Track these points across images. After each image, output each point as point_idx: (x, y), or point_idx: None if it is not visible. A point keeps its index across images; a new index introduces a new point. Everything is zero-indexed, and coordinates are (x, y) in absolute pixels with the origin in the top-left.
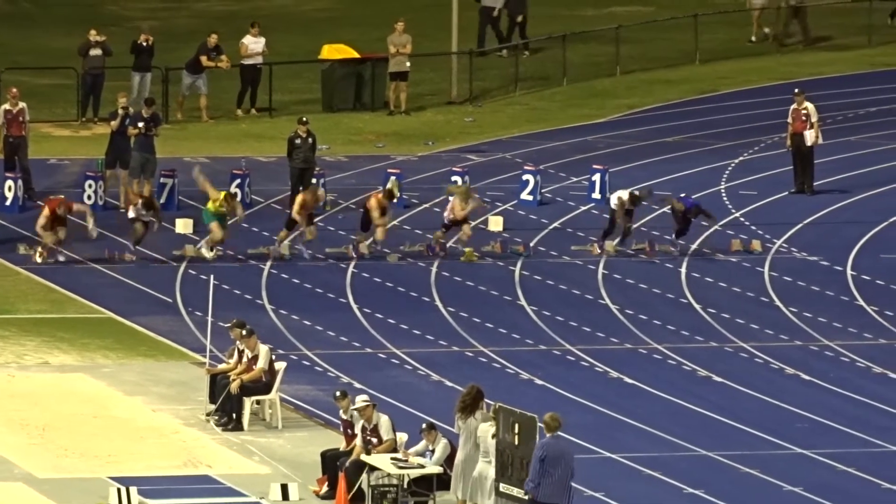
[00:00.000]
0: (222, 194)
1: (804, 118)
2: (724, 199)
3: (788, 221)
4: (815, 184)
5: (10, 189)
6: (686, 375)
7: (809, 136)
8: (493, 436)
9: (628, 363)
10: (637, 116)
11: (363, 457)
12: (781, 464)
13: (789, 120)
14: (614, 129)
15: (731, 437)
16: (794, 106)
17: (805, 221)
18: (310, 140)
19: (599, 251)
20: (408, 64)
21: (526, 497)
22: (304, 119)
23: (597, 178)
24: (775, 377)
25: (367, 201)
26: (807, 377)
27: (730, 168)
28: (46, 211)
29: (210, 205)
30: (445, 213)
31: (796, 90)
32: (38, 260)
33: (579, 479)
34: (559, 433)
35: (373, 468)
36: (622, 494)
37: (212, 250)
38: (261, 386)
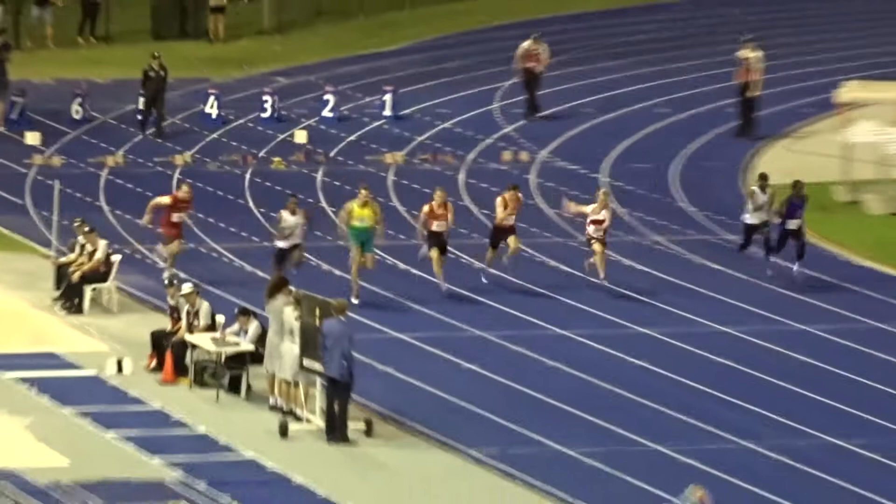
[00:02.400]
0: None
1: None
2: (497, 116)
3: (553, 135)
4: (581, 103)
5: None
6: (450, 263)
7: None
8: (297, 318)
9: (405, 252)
10: (422, 45)
11: (187, 336)
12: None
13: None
14: (403, 55)
15: (500, 319)
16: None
17: (566, 135)
18: (161, 73)
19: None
20: None
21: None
22: (157, 54)
23: (387, 98)
24: (536, 266)
25: None
26: (566, 268)
27: (501, 90)
28: None
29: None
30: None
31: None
32: None
33: (373, 356)
34: (341, 317)
35: (195, 346)
36: (409, 369)
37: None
38: (99, 275)
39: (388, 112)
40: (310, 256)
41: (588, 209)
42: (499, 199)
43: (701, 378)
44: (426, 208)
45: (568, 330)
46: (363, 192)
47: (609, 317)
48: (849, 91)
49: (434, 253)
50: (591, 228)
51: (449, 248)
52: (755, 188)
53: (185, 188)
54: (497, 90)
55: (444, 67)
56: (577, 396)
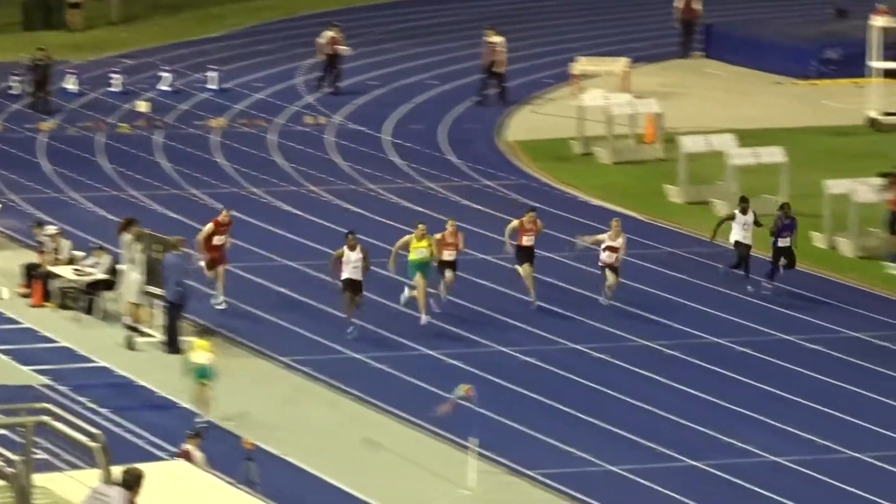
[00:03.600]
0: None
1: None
2: (300, 88)
3: (345, 104)
4: (368, 77)
5: None
6: (267, 208)
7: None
8: (142, 251)
9: (237, 201)
10: (241, 32)
11: (51, 268)
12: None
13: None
14: (225, 41)
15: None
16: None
17: (356, 103)
18: (47, 62)
19: None
20: None
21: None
22: (43, 47)
23: (213, 75)
24: (330, 208)
25: None
26: (356, 209)
27: (303, 67)
28: None
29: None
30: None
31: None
32: None
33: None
34: (178, 252)
35: (58, 276)
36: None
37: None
38: None
39: (213, 86)
40: (149, 201)
41: (604, 237)
42: (515, 222)
43: None
44: (438, 236)
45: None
46: (421, 227)
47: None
48: (581, 65)
49: (449, 274)
50: (605, 255)
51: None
52: (736, 211)
53: (224, 213)
54: (299, 68)
55: (259, 49)
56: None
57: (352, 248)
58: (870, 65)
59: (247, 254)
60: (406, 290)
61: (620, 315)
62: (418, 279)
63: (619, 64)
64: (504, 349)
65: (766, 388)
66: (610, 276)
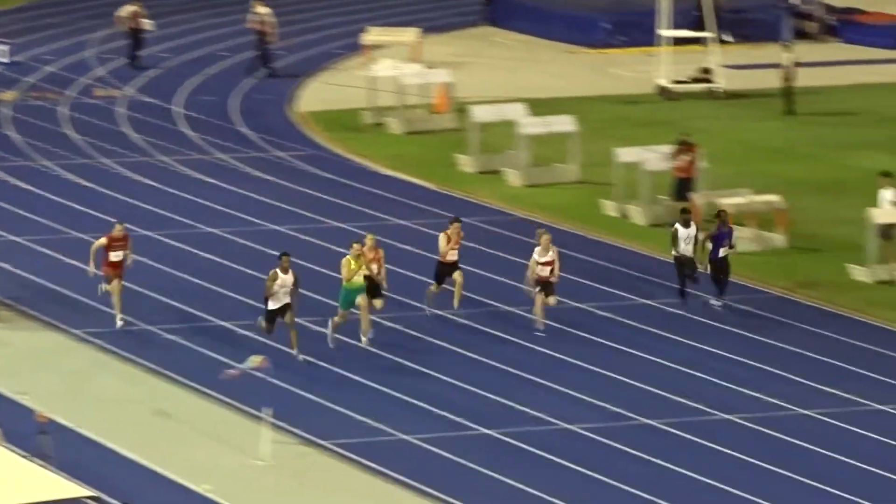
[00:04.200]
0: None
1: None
2: (91, 61)
3: (136, 76)
4: (161, 49)
5: None
6: (58, 181)
7: None
8: None
9: (29, 173)
10: (33, 6)
11: None
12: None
13: None
14: (16, 13)
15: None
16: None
17: (148, 75)
18: None
19: None
20: None
21: None
22: None
23: (4, 48)
24: (121, 181)
25: None
26: (147, 181)
27: (95, 40)
28: None
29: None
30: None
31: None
32: None
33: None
34: None
35: None
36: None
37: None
38: None
39: (4, 59)
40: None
41: (534, 255)
42: (441, 235)
43: None
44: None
45: None
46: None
47: None
48: (371, 35)
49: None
50: (539, 270)
51: None
52: (677, 224)
53: (118, 227)
54: (90, 41)
55: (49, 22)
56: None
57: (285, 271)
58: (659, 33)
59: (39, 227)
60: (331, 323)
61: (414, 284)
62: (359, 301)
63: (410, 34)
64: (297, 320)
65: (559, 355)
66: (549, 296)
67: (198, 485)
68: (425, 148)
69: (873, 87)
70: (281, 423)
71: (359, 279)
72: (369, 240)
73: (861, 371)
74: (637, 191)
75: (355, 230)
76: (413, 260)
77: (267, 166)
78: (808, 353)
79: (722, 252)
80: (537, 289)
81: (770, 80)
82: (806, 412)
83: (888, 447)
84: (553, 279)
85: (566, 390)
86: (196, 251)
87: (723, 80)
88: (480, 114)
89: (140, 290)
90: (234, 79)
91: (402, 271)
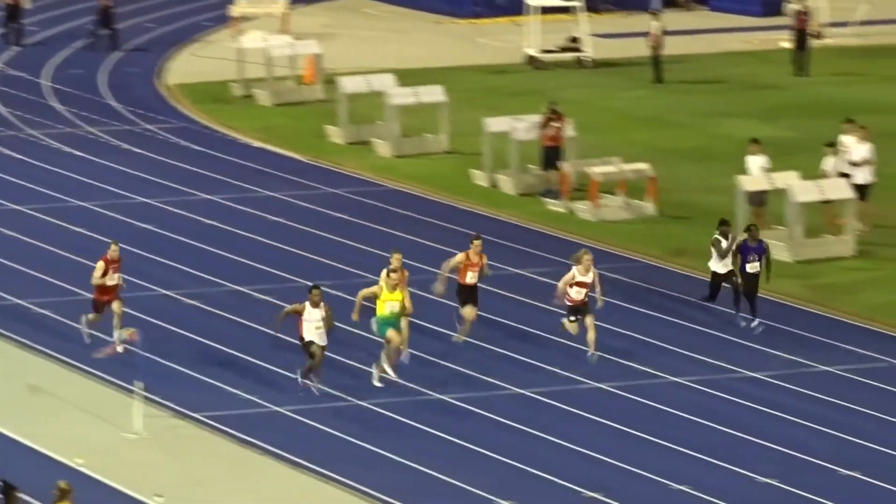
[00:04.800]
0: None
1: None
2: None
3: (4, 49)
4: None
5: None
6: None
7: None
8: None
9: None
10: None
11: None
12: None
13: None
14: None
15: None
16: None
17: (15, 50)
18: None
19: None
20: None
21: None
22: None
23: None
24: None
25: None
26: (17, 155)
27: None
28: None
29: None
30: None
31: None
32: None
33: None
34: None
35: None
36: None
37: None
38: None
39: None
40: None
41: (574, 272)
42: (460, 255)
43: None
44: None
45: None
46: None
47: None
48: (239, 7)
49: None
50: (573, 291)
51: None
52: (718, 236)
53: (113, 248)
54: None
55: None
56: None
57: (315, 305)
58: (527, 3)
59: None
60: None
61: (290, 258)
62: (391, 334)
63: (278, 5)
64: (168, 292)
65: (420, 323)
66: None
67: (70, 459)
68: (294, 119)
69: (741, 55)
70: (152, 396)
71: (394, 309)
72: (396, 260)
73: (736, 340)
74: (506, 160)
75: (225, 202)
76: (284, 233)
77: (136, 139)
78: (680, 321)
79: (749, 268)
80: (572, 318)
81: (639, 49)
82: (678, 380)
83: (760, 413)
84: (587, 300)
85: (424, 355)
86: (65, 225)
87: (591, 49)
88: (349, 85)
89: (9, 264)
90: (101, 53)
91: (274, 244)
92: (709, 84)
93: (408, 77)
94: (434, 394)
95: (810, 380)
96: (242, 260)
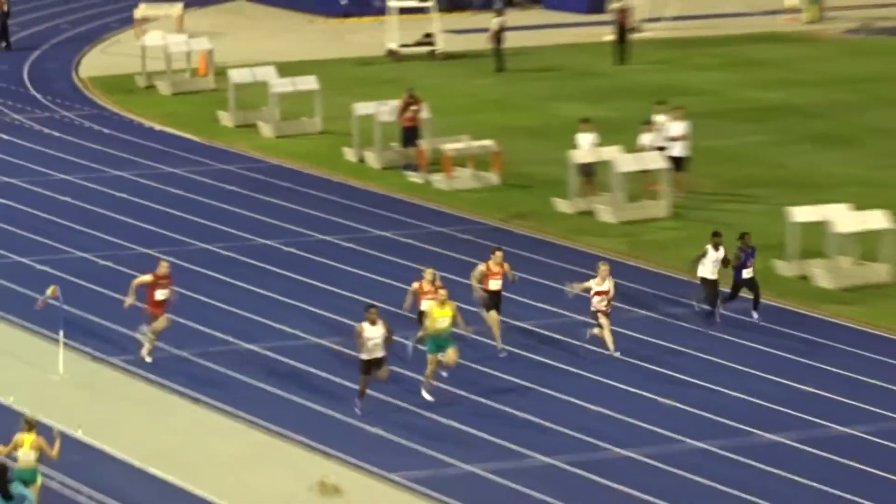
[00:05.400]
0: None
1: None
2: None
3: None
4: None
5: None
6: None
7: None
8: None
9: None
10: None
11: None
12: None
13: None
14: None
15: None
16: None
17: None
18: None
19: None
20: None
21: None
22: None
23: None
24: None
25: None
26: None
27: None
28: None
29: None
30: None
31: None
32: None
33: None
34: None
35: None
36: None
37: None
38: None
39: None
40: None
41: (591, 283)
42: (481, 265)
43: None
44: (482, 267)
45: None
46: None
47: None
48: (142, 10)
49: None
50: (595, 300)
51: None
52: (708, 246)
53: (164, 265)
54: None
55: None
56: None
57: (373, 323)
58: (388, 4)
59: None
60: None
61: (183, 222)
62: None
63: (175, 9)
64: (85, 255)
65: (309, 280)
66: (603, 321)
67: (5, 398)
68: (190, 106)
69: (571, 47)
70: (73, 343)
71: (444, 325)
72: (428, 274)
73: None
74: (372, 139)
75: (132, 178)
76: (183, 203)
77: (55, 125)
78: (524, 276)
79: (745, 273)
80: (595, 326)
81: (483, 43)
82: (523, 324)
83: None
84: (607, 309)
85: (314, 310)
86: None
87: (442, 44)
88: (237, 76)
89: None
90: (23, 50)
91: (175, 212)
92: (544, 72)
93: (286, 69)
94: (311, 337)
95: (636, 323)
96: (148, 226)
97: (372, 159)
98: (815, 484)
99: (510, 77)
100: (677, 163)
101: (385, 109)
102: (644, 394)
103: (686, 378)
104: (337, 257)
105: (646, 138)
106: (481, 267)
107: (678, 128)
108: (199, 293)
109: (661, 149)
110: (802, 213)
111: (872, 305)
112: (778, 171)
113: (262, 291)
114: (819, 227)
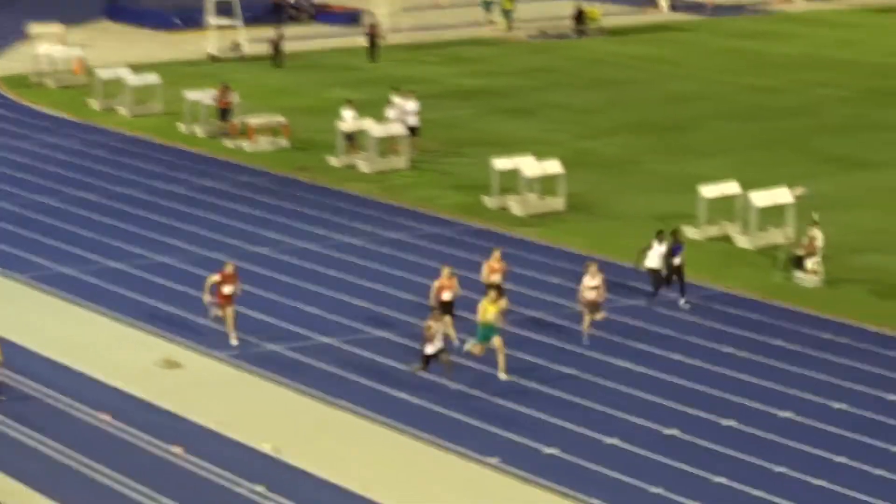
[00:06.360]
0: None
1: None
2: None
3: None
4: None
5: None
6: None
7: None
8: None
9: None
10: None
11: None
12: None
13: None
14: None
15: None
16: None
17: None
18: None
19: None
20: None
21: None
22: None
23: None
24: None
25: None
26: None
27: None
28: None
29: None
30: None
31: None
32: None
33: None
34: None
35: None
36: None
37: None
38: None
39: None
40: None
41: (584, 280)
42: (484, 265)
43: None
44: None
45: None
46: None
47: None
48: (34, 28)
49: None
50: (592, 295)
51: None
52: (654, 240)
53: (230, 266)
54: None
55: None
56: None
57: (437, 320)
58: (209, 21)
59: None
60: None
61: (58, 179)
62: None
63: (58, 27)
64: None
65: (161, 219)
66: (597, 313)
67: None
68: (69, 96)
69: (336, 50)
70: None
71: (491, 317)
72: (446, 270)
73: (368, 212)
74: (199, 117)
75: (26, 147)
76: (64, 164)
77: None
78: (301, 209)
79: (676, 261)
80: (587, 311)
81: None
82: (344, 240)
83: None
84: (600, 299)
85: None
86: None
87: (246, 49)
88: (102, 74)
89: None
90: None
91: (51, 169)
92: (316, 68)
93: (137, 68)
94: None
95: (385, 244)
96: (32, 178)
97: (199, 131)
98: None
99: (289, 72)
100: (412, 130)
101: (207, 96)
102: None
103: None
104: (177, 201)
105: (390, 113)
106: (485, 264)
107: (412, 105)
108: (97, 251)
109: (403, 121)
110: (500, 163)
111: (552, 227)
112: (481, 135)
113: (126, 227)
114: (512, 173)
